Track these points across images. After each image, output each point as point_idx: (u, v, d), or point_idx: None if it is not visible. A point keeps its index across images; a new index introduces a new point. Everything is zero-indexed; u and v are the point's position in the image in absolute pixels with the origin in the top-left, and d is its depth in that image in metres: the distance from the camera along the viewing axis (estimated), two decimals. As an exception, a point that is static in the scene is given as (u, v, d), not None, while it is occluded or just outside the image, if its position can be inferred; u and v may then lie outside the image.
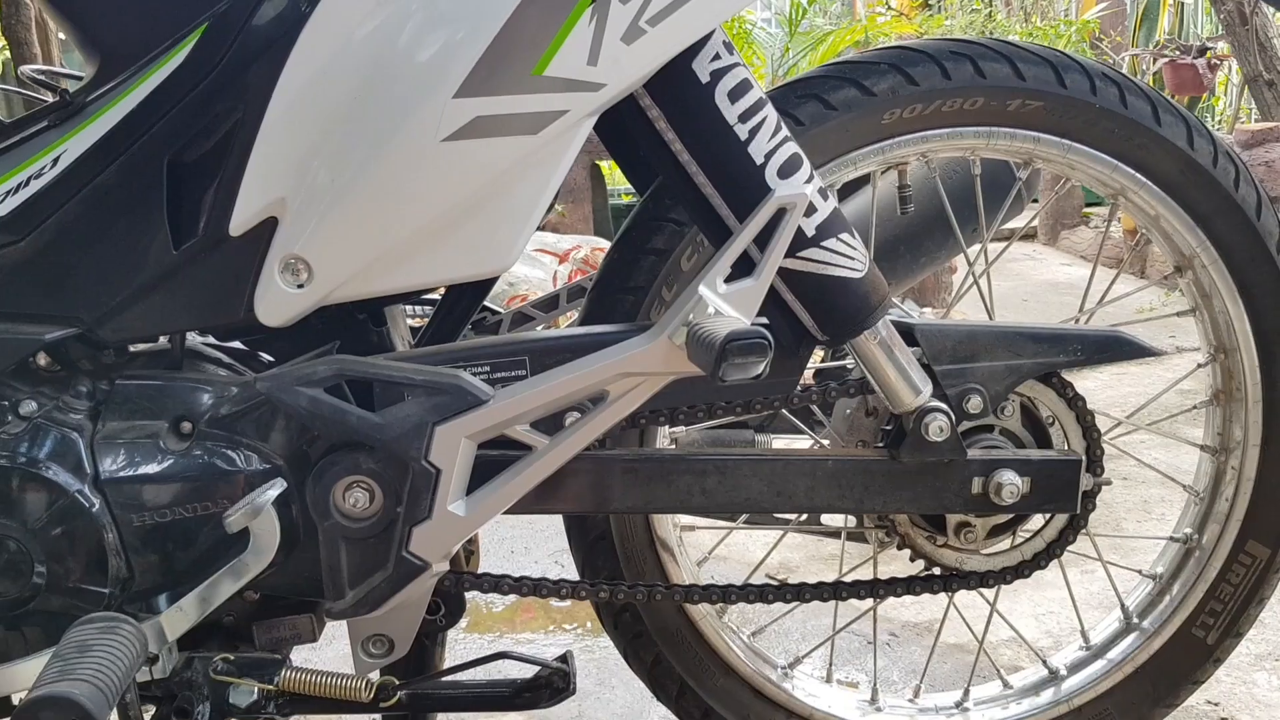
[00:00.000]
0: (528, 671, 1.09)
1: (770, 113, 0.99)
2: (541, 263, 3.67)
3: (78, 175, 0.97)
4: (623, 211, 6.09)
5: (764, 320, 1.02)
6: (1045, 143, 1.15)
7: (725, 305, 0.94)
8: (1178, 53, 5.43)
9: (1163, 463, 2.75)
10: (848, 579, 1.18)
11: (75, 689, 0.80)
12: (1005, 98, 1.13)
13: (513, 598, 2.22)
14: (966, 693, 1.31)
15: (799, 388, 1.09)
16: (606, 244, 3.36)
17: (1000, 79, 1.12)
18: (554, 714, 1.74)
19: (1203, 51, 5.38)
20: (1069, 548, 1.16)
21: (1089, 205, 6.20)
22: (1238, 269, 1.18)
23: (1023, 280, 5.39)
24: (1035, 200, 1.53)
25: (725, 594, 1.12)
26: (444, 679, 1.12)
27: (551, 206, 1.02)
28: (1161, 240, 1.22)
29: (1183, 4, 6.91)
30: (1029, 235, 6.20)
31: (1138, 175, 1.16)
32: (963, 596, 1.27)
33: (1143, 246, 4.50)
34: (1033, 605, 1.94)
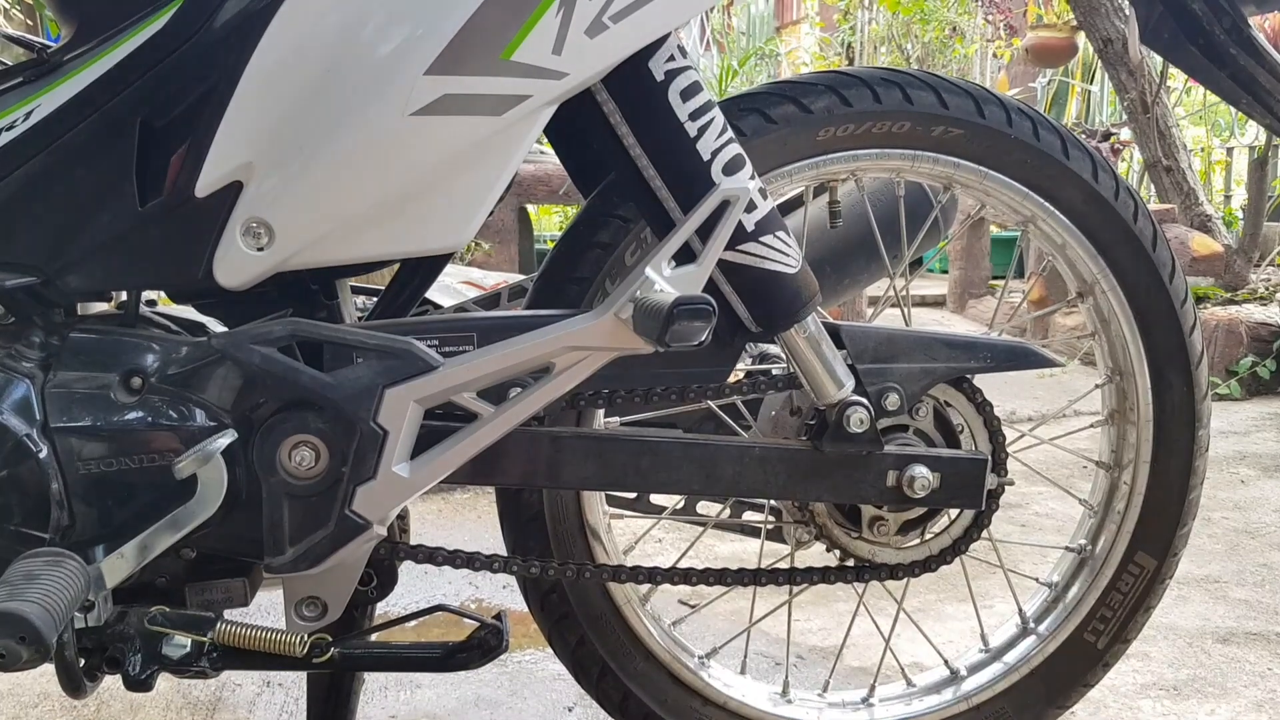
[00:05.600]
0: (459, 635, 1.12)
1: (717, 114, 1.06)
2: (465, 296, 3.71)
3: (50, 130, 0.99)
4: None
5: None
6: (964, 169, 1.25)
7: (668, 287, 1.00)
8: (1083, 137, 5.71)
9: (1058, 514, 2.88)
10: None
11: (25, 607, 0.81)
12: (930, 124, 1.22)
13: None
14: (872, 689, 1.38)
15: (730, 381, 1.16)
16: (531, 283, 3.43)
17: (926, 106, 1.22)
18: (467, 720, 1.76)
19: (1107, 137, 5.68)
20: (972, 549, 1.24)
21: (996, 278, 6.45)
22: (1134, 296, 1.29)
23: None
24: (946, 239, 1.64)
25: (651, 575, 1.17)
26: (377, 640, 1.15)
27: (502, 197, 1.08)
28: (1066, 268, 1.32)
29: (1089, 92, 7.28)
30: (937, 303, 6.42)
31: (1046, 204, 1.26)
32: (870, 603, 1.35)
33: (1049, 315, 4.70)
34: (933, 635, 2.02)
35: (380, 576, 1.16)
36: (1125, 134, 5.76)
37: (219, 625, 1.04)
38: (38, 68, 1.02)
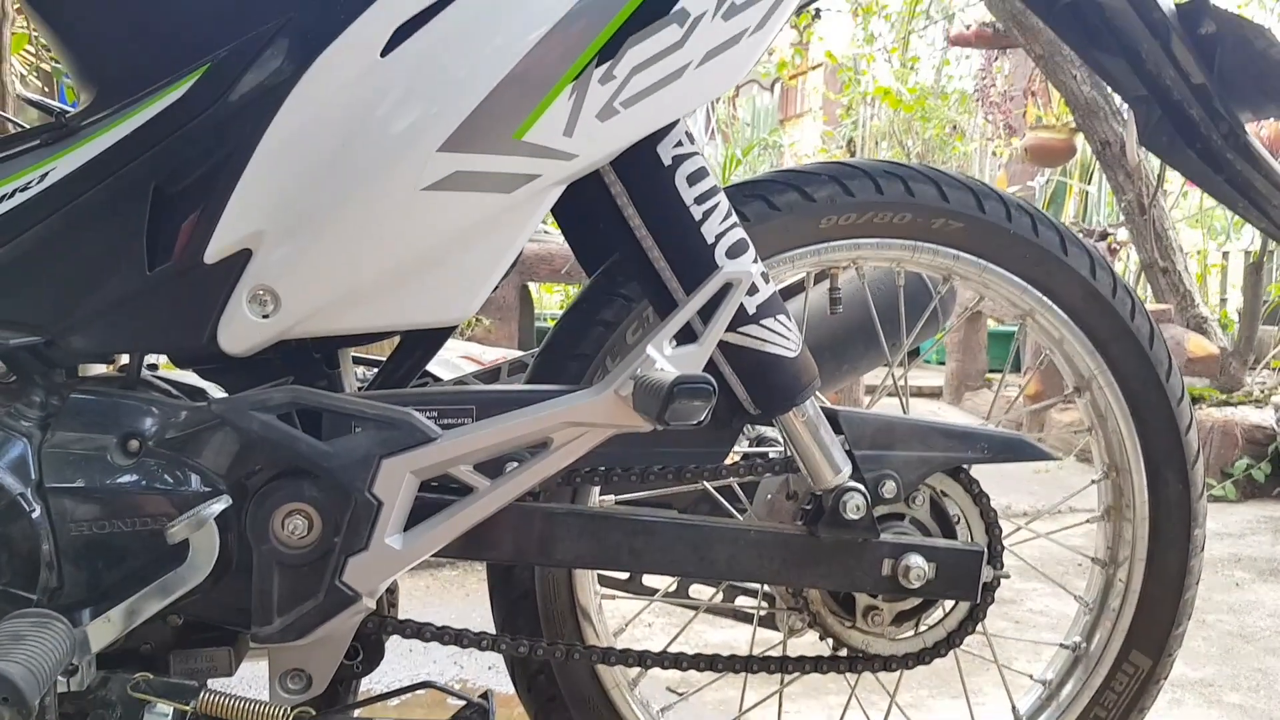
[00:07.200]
0: (442, 715, 1.10)
1: (723, 200, 1.08)
2: (465, 370, 3.72)
3: (63, 192, 1.01)
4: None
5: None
6: (964, 261, 1.26)
7: (669, 366, 1.01)
8: (1080, 236, 5.76)
9: (1052, 610, 2.86)
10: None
11: (9, 668, 0.80)
12: (930, 216, 1.24)
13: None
14: (863, 785, 1.35)
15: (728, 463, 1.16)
16: (531, 360, 3.44)
17: (927, 199, 1.24)
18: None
19: (1104, 236, 5.74)
20: (966, 643, 1.23)
21: (993, 371, 6.47)
22: (1131, 393, 1.29)
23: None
24: (944, 330, 1.65)
25: (642, 658, 1.15)
26: (361, 716, 1.13)
27: (509, 271, 1.09)
28: (1064, 362, 1.33)
29: (1087, 192, 7.38)
30: (934, 394, 6.43)
31: (1045, 299, 1.28)
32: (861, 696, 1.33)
33: (1044, 411, 4.71)
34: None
35: (366, 651, 1.14)
36: (1122, 234, 5.82)
37: (202, 694, 1.02)
38: (55, 131, 1.03)
